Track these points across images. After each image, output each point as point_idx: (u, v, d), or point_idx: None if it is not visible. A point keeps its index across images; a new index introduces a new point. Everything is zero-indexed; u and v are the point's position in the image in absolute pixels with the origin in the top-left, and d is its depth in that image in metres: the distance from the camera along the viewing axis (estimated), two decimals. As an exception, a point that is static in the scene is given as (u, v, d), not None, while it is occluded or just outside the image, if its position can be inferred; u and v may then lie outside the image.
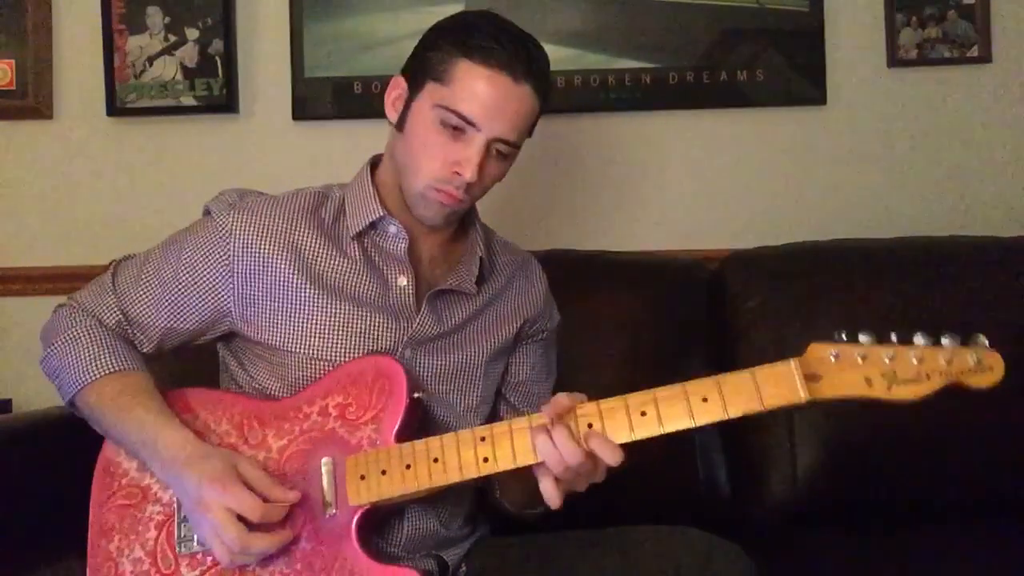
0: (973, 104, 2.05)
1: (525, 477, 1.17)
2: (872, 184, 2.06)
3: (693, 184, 2.08)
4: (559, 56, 2.02)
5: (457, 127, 1.17)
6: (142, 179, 2.08)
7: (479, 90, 1.16)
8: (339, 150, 2.03)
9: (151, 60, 2.04)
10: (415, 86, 1.22)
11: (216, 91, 2.04)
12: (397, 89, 1.25)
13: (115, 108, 2.04)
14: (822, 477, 1.66)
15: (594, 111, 2.04)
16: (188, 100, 2.04)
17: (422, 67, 1.21)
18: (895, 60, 2.04)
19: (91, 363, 1.20)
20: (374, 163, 1.33)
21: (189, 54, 2.03)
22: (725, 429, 1.73)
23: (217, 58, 2.03)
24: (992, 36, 2.03)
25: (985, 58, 2.03)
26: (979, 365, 1.01)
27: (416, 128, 1.21)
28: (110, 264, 1.32)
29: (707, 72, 2.03)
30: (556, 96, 2.01)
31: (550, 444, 1.05)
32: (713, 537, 1.16)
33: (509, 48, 1.16)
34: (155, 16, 2.03)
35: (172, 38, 2.03)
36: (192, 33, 2.03)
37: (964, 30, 2.03)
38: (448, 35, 1.20)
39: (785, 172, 2.07)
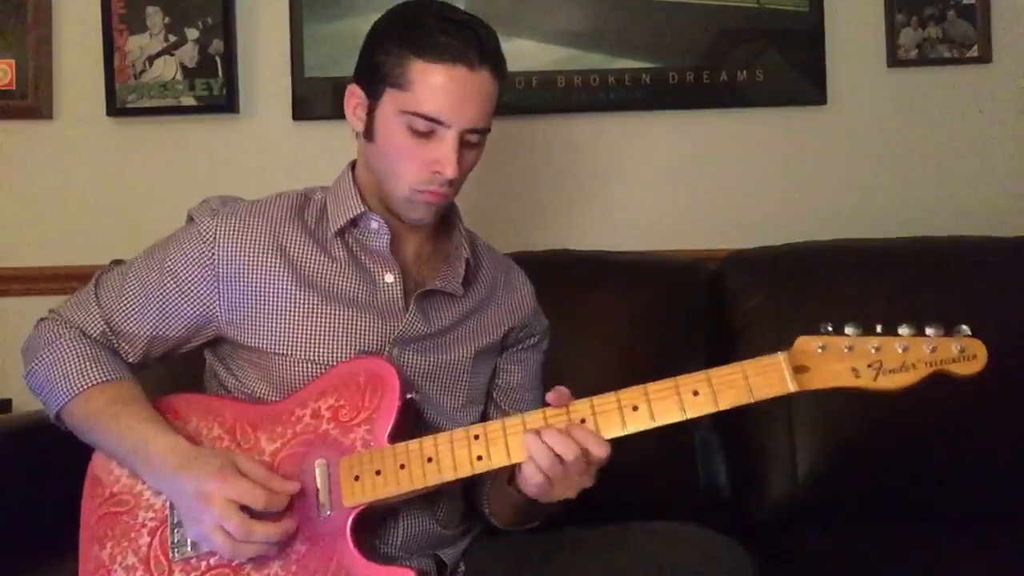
0: (973, 104, 2.05)
1: (514, 501, 1.19)
2: (872, 184, 2.06)
3: (693, 184, 2.08)
4: (559, 56, 2.02)
5: (426, 129, 1.17)
6: (142, 179, 2.08)
7: (439, 87, 1.16)
8: (339, 150, 1.99)
9: (151, 60, 2.04)
10: (373, 94, 1.21)
11: (216, 91, 2.04)
12: (355, 98, 1.25)
13: (115, 108, 2.05)
14: (822, 477, 1.66)
15: (594, 111, 2.04)
16: (188, 100, 2.04)
17: (376, 74, 1.20)
18: (895, 60, 2.04)
19: (77, 375, 1.19)
20: (355, 163, 1.33)
21: (189, 54, 2.04)
22: (725, 429, 1.73)
23: (217, 58, 2.04)
24: (992, 36, 2.03)
25: (985, 58, 2.03)
26: (963, 353, 1.04)
27: (386, 137, 1.21)
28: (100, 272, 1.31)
29: (707, 72, 2.03)
30: (556, 96, 2.01)
31: (539, 442, 1.06)
32: (710, 532, 1.16)
33: (458, 37, 1.16)
34: (155, 16, 2.03)
35: (172, 38, 2.04)
36: (192, 33, 2.03)
37: (964, 30, 2.03)
38: (393, 36, 1.19)
39: (785, 172, 2.07)
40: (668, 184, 2.08)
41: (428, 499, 1.21)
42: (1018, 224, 1.98)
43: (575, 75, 2.03)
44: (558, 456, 1.06)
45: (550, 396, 1.10)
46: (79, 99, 2.08)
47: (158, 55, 2.04)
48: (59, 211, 2.08)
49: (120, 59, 2.04)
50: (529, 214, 2.05)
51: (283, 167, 2.06)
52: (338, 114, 2.00)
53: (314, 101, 2.05)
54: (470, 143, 1.21)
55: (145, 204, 2.06)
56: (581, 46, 2.03)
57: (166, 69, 2.04)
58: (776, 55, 2.02)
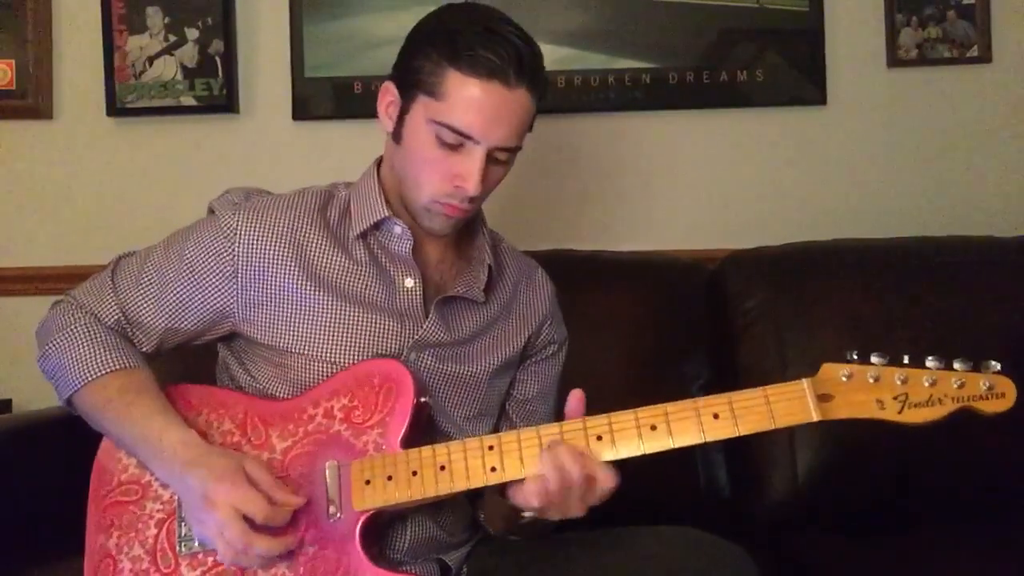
0: (973, 104, 2.05)
1: (504, 512, 1.18)
2: (872, 184, 2.06)
3: (693, 184, 2.08)
4: (559, 56, 2.02)
5: (455, 142, 1.15)
6: (142, 179, 2.08)
7: (473, 102, 1.13)
8: (339, 150, 2.03)
9: (151, 60, 2.04)
10: (406, 97, 1.19)
11: (216, 91, 2.04)
12: (389, 96, 1.22)
13: (115, 108, 2.04)
14: (822, 477, 1.66)
15: (594, 111, 2.04)
16: (188, 100, 2.04)
17: (411, 77, 1.17)
18: (895, 60, 2.04)
19: (92, 361, 1.17)
20: (380, 162, 1.31)
21: (189, 54, 2.03)
22: (725, 429, 1.72)
23: (217, 58, 2.03)
24: (992, 36, 2.03)
25: (985, 58, 2.03)
26: (991, 391, 1.02)
27: (413, 144, 1.18)
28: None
29: (707, 72, 2.03)
30: (556, 96, 2.01)
31: (553, 462, 1.05)
32: (715, 538, 1.15)
33: (498, 52, 1.12)
34: (155, 16, 2.03)
35: (172, 38, 2.03)
36: (192, 33, 2.03)
37: (964, 30, 2.03)
38: (433, 42, 1.16)
39: (785, 172, 2.07)
40: (668, 184, 2.08)
41: (436, 507, 1.20)
42: (1018, 224, 1.98)
43: (575, 75, 2.03)
44: (565, 473, 1.04)
45: (572, 398, 1.09)
46: (79, 99, 2.07)
47: (158, 55, 2.04)
48: (59, 211, 2.08)
49: (120, 59, 2.03)
50: (529, 214, 2.04)
51: (283, 167, 2.06)
52: (338, 114, 2.04)
53: (314, 101, 2.05)
54: (498, 160, 1.18)
55: (145, 204, 2.06)
56: (581, 46, 2.03)
57: (166, 69, 2.04)
58: (776, 55, 2.02)
